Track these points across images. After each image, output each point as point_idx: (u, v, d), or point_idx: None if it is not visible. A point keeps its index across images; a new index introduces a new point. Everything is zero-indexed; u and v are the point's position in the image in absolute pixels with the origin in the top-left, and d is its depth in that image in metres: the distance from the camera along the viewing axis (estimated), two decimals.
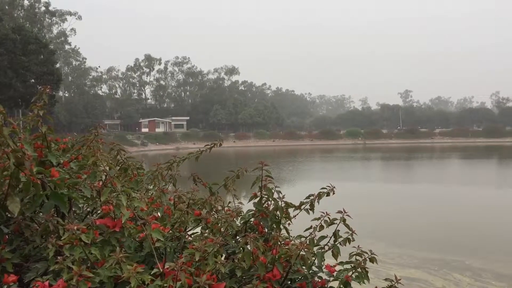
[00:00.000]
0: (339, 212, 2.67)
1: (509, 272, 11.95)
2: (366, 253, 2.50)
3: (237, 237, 2.71)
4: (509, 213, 20.49)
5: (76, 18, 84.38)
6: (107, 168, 2.32)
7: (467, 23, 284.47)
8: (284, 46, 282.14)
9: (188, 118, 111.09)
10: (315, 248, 2.57)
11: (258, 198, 2.72)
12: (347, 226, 2.65)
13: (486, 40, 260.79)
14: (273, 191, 2.71)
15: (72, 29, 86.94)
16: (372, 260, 2.49)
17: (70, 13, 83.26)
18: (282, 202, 2.68)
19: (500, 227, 17.54)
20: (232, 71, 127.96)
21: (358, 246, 2.54)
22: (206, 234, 2.51)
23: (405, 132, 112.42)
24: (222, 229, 2.59)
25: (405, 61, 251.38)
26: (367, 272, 2.42)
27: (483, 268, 12.16)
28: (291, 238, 2.61)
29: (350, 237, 2.69)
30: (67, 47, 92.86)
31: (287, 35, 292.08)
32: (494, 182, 32.58)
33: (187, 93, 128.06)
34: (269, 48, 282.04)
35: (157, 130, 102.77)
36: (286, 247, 2.29)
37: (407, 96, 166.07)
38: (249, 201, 2.74)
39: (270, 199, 2.71)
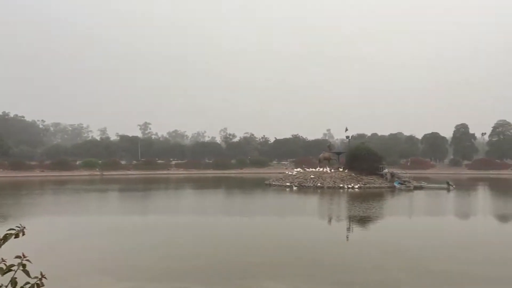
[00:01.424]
0: (18, 257, 2.47)
1: None
2: None
3: None
4: (225, 239, 22.76)
5: None
6: None
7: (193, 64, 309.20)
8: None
9: None
10: None
11: None
12: (26, 272, 2.46)
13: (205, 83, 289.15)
14: None
15: None
16: None
17: None
18: None
19: (223, 253, 19.32)
20: None
21: None
22: None
23: (143, 163, 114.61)
24: None
25: (146, 93, 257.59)
26: None
27: None
28: None
29: (39, 282, 2.52)
30: None
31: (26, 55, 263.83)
32: (222, 211, 35.84)
33: None
34: None
35: None
36: None
37: (146, 128, 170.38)
38: None
39: None
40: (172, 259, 17.77)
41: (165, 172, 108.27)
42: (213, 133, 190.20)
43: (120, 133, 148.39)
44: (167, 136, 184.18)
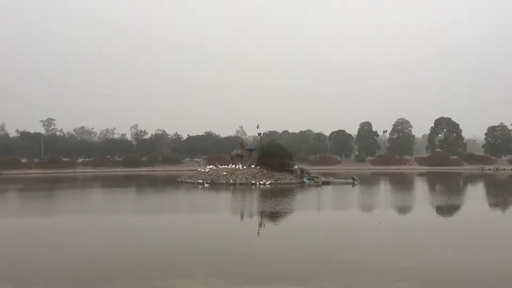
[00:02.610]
0: None
1: None
2: None
3: None
4: (135, 238, 22.12)
5: None
6: None
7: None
8: None
9: None
10: None
11: None
12: None
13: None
14: None
15: None
16: None
17: None
18: None
19: (132, 252, 18.72)
20: None
21: None
22: None
23: (47, 161, 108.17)
24: None
25: (50, 88, 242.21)
26: None
27: None
28: None
29: None
30: None
31: None
32: (132, 210, 34.75)
33: None
34: None
35: None
36: None
37: (50, 124, 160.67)
38: None
39: None
40: (79, 260, 16.91)
41: (70, 170, 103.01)
42: (123, 130, 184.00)
43: (21, 130, 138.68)
44: (74, 133, 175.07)
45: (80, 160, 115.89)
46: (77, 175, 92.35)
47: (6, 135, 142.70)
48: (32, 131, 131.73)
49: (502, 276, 14.82)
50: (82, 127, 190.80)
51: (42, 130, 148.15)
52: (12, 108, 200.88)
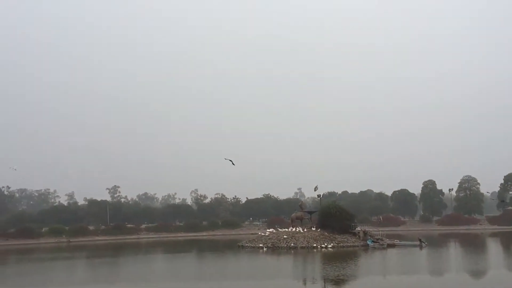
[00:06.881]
0: None
1: None
2: None
3: None
4: None
5: None
6: None
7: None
8: None
9: None
10: None
11: None
12: None
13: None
14: None
15: None
16: None
17: None
18: None
19: None
20: None
21: None
22: None
23: (112, 228, 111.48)
24: None
25: (111, 156, 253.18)
26: None
27: None
28: None
29: None
30: None
31: None
32: (194, 276, 34.75)
33: None
34: None
35: None
36: None
37: (116, 191, 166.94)
38: None
39: None
40: None
41: (134, 236, 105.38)
42: (183, 195, 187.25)
43: (88, 198, 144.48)
44: (137, 199, 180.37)
45: (143, 226, 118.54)
46: (140, 241, 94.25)
47: (75, 203, 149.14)
48: (99, 199, 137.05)
49: None
50: (145, 193, 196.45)
51: (108, 197, 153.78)
52: (80, 177, 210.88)
